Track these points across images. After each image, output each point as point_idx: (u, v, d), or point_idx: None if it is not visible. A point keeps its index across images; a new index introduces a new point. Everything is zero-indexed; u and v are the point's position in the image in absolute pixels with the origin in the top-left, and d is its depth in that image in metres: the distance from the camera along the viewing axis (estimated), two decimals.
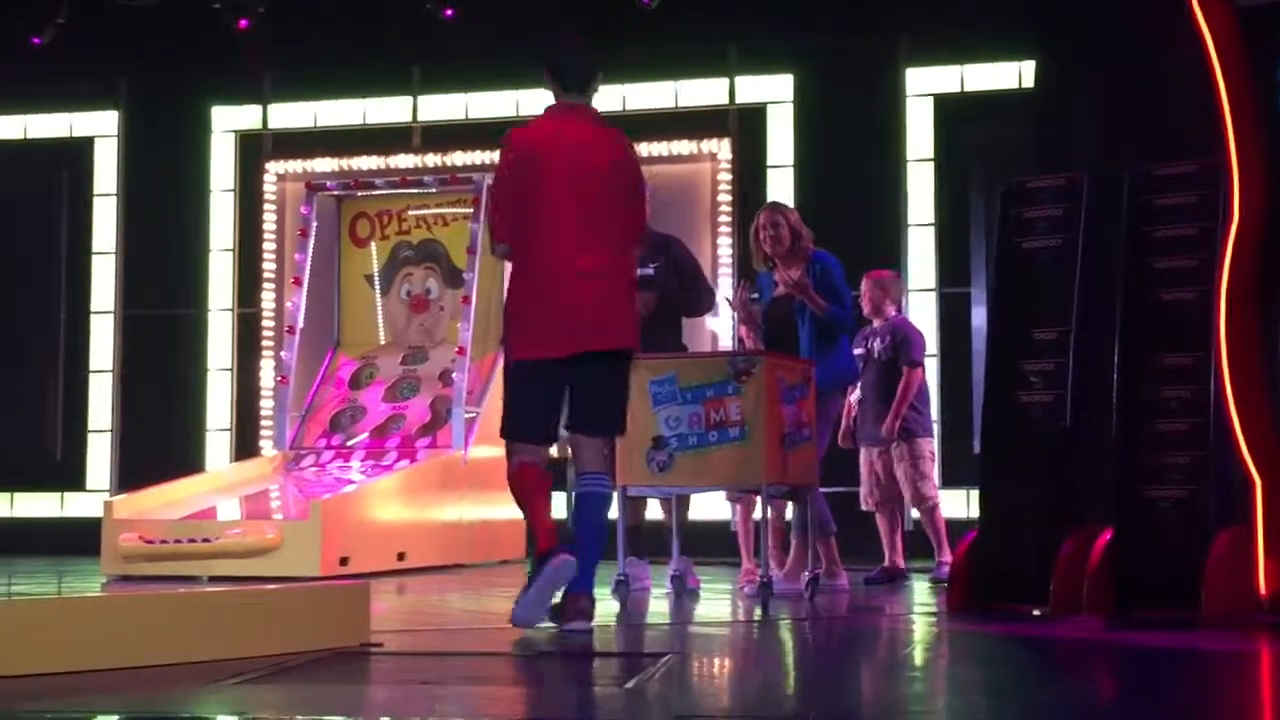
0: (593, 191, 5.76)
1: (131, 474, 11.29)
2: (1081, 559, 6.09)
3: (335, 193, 11.15)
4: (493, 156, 11.49)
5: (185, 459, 11.34)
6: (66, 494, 12.10)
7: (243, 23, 11.36)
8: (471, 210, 10.63)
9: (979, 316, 10.90)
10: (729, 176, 11.18)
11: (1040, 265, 6.64)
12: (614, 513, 6.72)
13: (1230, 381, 5.70)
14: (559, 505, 6.60)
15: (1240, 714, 3.92)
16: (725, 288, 11.08)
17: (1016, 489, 6.45)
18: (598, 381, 5.74)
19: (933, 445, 8.56)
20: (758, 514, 7.33)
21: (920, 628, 6.15)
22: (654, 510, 7.90)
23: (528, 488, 5.82)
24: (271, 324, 11.77)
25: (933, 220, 10.97)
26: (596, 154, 5.81)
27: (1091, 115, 9.66)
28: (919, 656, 5.20)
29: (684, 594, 7.16)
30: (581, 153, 5.79)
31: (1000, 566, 6.41)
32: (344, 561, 8.76)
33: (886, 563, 8.23)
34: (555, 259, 5.67)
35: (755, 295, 7.82)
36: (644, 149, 11.26)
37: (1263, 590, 5.67)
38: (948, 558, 8.05)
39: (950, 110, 11.05)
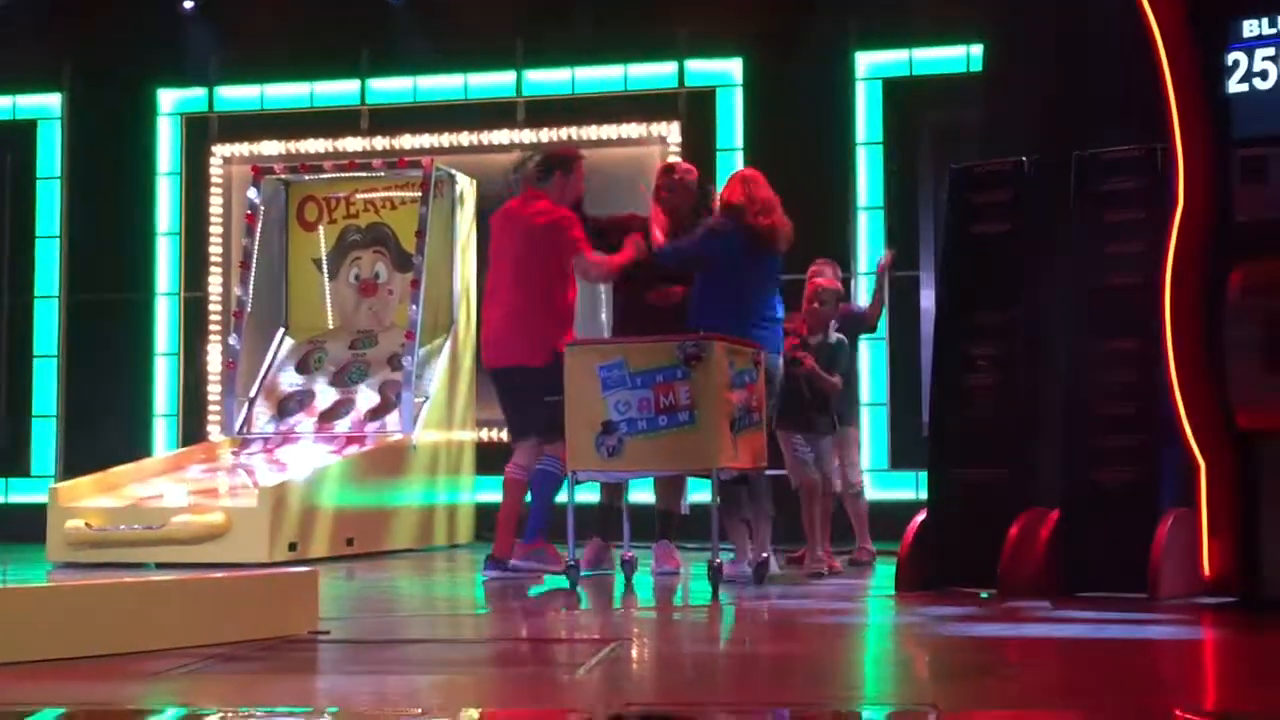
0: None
1: (77, 460, 11.19)
2: (1029, 541, 6.13)
3: (282, 177, 11.06)
4: (440, 139, 11.46)
5: (132, 445, 11.25)
6: (10, 480, 11.98)
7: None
8: (420, 194, 10.57)
9: (927, 299, 10.94)
10: (678, 159, 11.15)
11: (988, 249, 6.66)
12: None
13: (1175, 365, 5.73)
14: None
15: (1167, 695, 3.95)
16: None
17: (964, 471, 6.49)
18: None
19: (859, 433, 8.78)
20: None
21: (875, 612, 6.17)
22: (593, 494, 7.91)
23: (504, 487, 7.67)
24: (219, 308, 11.69)
25: (882, 203, 11.00)
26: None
27: (1039, 98, 9.71)
28: (871, 640, 5.22)
29: (633, 577, 7.15)
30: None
31: (948, 549, 6.44)
32: (292, 547, 8.71)
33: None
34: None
35: None
36: (593, 132, 11.27)
37: (1207, 572, 5.71)
38: (868, 543, 8.32)
39: (899, 93, 11.07)
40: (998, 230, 6.61)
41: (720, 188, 7.90)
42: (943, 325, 6.76)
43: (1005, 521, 6.18)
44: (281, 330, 10.99)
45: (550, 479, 7.45)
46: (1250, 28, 5.66)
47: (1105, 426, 6.20)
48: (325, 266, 11.09)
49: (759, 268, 7.39)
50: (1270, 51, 5.62)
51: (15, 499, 11.82)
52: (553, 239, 7.56)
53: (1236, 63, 5.67)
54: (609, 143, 11.24)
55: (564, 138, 11.36)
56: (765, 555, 7.09)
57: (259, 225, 10.89)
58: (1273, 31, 5.62)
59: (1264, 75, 5.62)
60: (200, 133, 12.05)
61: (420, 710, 3.62)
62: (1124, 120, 7.61)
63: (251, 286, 10.78)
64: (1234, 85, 5.68)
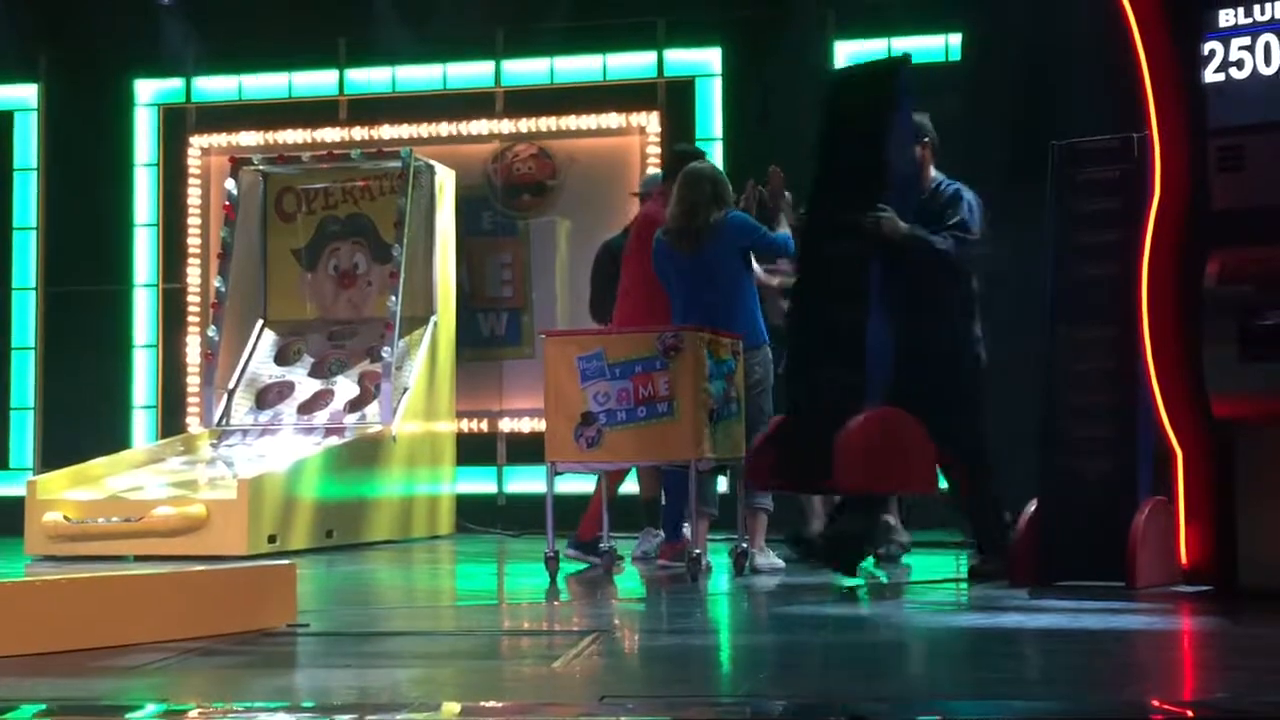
0: None
1: (55, 452, 11.16)
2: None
3: (261, 168, 11.02)
4: (419, 129, 11.43)
5: (110, 437, 11.22)
6: None
7: None
8: (399, 184, 10.55)
9: None
10: (657, 150, 11.15)
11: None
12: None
13: (1152, 354, 5.75)
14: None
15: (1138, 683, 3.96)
16: None
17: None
18: None
19: None
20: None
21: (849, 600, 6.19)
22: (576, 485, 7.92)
23: None
24: (197, 300, 11.66)
25: None
26: None
27: (1017, 88, 9.74)
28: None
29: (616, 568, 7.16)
30: None
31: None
32: (272, 539, 8.70)
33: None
34: None
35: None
36: (572, 122, 11.26)
37: (1184, 560, 5.73)
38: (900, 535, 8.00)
39: None
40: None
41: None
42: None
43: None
44: (260, 321, 10.97)
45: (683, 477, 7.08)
46: (1226, 17, 5.67)
47: (1082, 415, 6.21)
48: (304, 257, 11.06)
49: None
50: (1246, 41, 5.63)
51: None
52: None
53: (1213, 52, 5.68)
54: (588, 133, 11.24)
55: (543, 128, 11.34)
56: (699, 551, 6.93)
57: (237, 216, 10.86)
58: (1248, 21, 5.63)
59: (1240, 65, 5.63)
60: (178, 124, 12.01)
61: (400, 704, 3.61)
62: (1101, 109, 7.64)
63: (230, 278, 10.76)
64: (1210, 75, 5.69)
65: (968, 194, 6.76)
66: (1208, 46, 5.69)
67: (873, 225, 6.35)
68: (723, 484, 7.99)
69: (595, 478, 7.68)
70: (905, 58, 6.97)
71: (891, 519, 7.69)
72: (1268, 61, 5.59)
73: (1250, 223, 5.58)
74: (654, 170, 8.50)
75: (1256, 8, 5.62)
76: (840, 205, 6.54)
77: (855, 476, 6.12)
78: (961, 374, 6.74)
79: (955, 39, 10.60)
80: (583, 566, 7.35)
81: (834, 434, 6.07)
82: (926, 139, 6.85)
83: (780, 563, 7.37)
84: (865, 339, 6.32)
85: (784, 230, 7.46)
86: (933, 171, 6.96)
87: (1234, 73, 5.64)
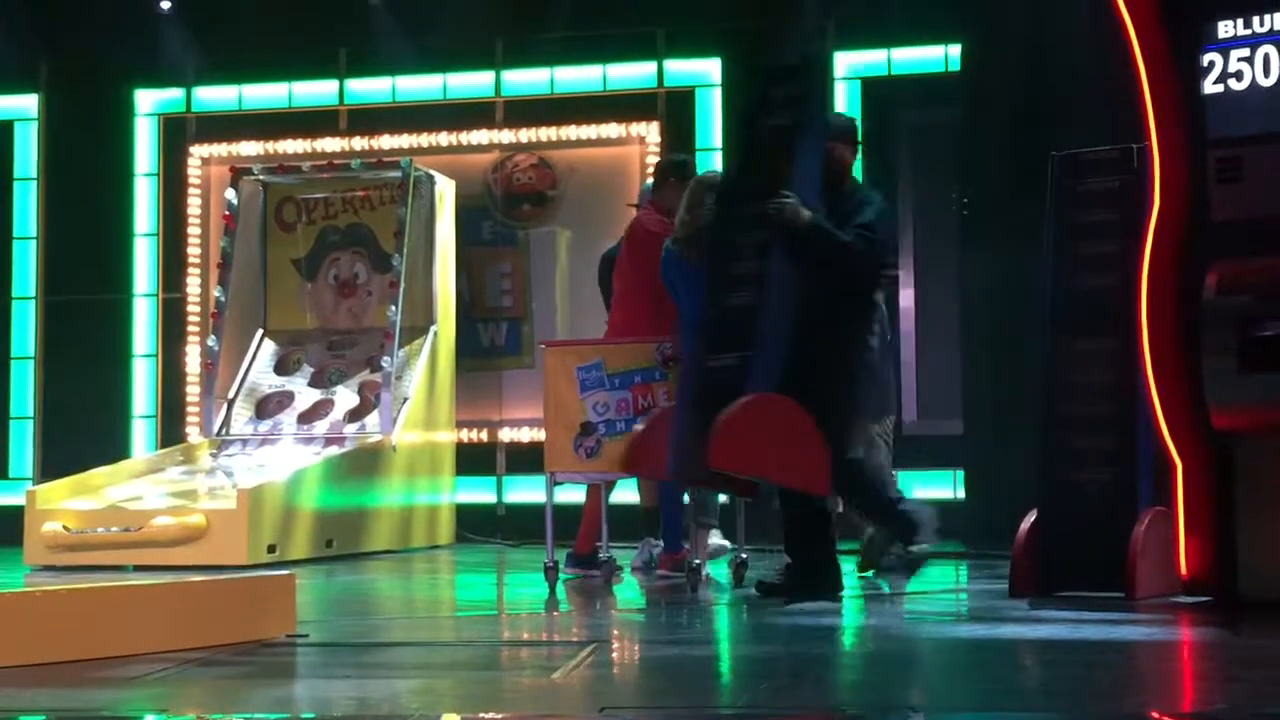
0: None
1: (54, 462, 11.16)
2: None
3: (261, 177, 11.03)
4: (419, 139, 11.44)
5: (110, 446, 11.21)
6: None
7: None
8: (399, 193, 10.56)
9: (907, 298, 10.97)
10: (657, 160, 11.15)
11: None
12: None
13: (1152, 365, 5.75)
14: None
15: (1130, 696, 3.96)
16: None
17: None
18: None
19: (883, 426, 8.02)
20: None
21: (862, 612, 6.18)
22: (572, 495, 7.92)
23: None
24: (197, 309, 11.66)
25: None
26: None
27: (1017, 98, 9.75)
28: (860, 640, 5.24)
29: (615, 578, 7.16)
30: None
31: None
32: (272, 549, 8.69)
33: None
34: None
35: None
36: (572, 132, 11.27)
37: (1184, 571, 5.73)
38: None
39: (878, 93, 11.09)
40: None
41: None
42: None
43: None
44: (260, 331, 10.97)
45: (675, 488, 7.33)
46: (1225, 29, 5.68)
47: (1083, 426, 6.21)
48: (304, 267, 11.06)
49: None
50: (1245, 52, 5.64)
51: None
52: None
53: (1212, 64, 5.69)
54: (588, 143, 11.25)
55: (543, 138, 11.35)
56: (699, 562, 6.93)
57: (237, 226, 10.87)
58: (1248, 32, 5.64)
59: (1239, 76, 5.64)
60: (178, 133, 12.01)
61: (399, 715, 3.61)
62: (1101, 120, 7.64)
63: (230, 287, 10.76)
64: (1209, 86, 5.70)
65: (878, 200, 6.62)
66: (1207, 58, 5.70)
67: (775, 212, 6.23)
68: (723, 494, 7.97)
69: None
70: (817, 56, 6.91)
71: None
72: (1267, 73, 5.60)
73: (1249, 234, 5.58)
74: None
75: (1255, 19, 5.63)
76: (747, 197, 6.46)
77: (729, 456, 5.96)
78: (840, 377, 6.44)
79: (955, 50, 10.61)
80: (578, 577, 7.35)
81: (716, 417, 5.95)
82: (849, 140, 6.70)
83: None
84: (758, 324, 6.18)
85: None
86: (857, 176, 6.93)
87: (1233, 84, 5.65)
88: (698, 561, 6.85)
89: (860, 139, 6.80)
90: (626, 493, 7.91)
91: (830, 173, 6.46)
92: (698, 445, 5.94)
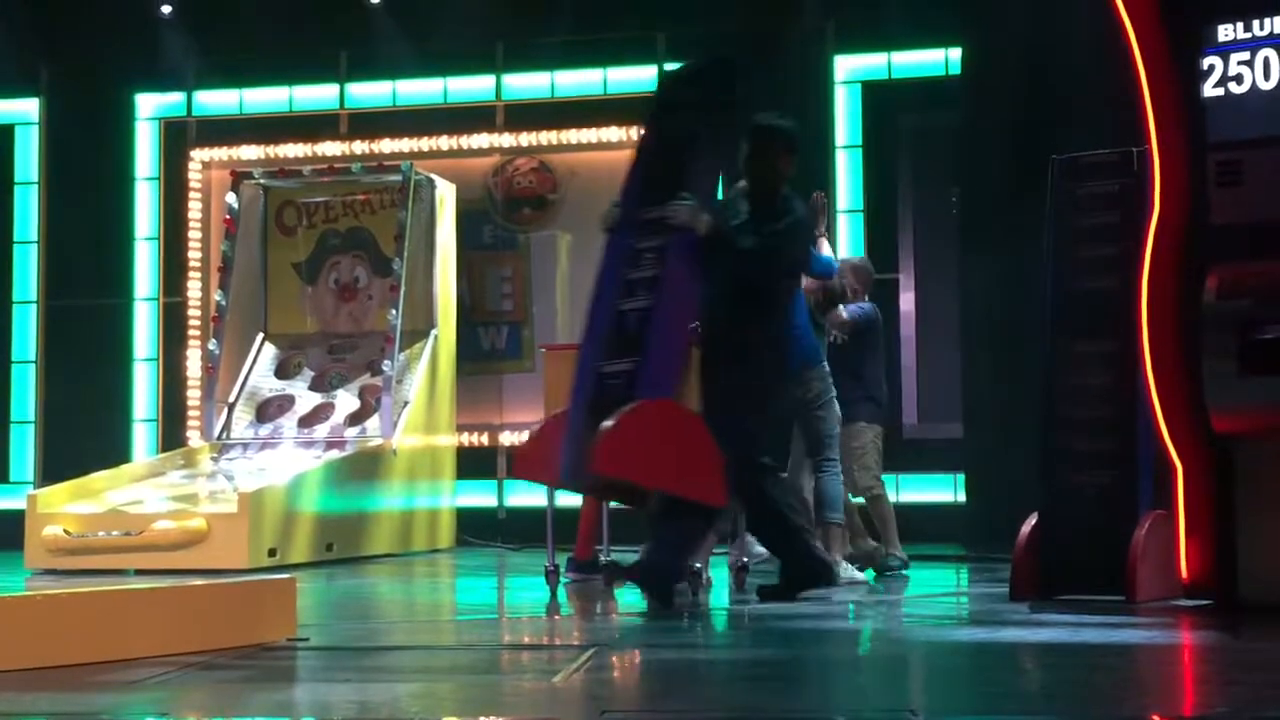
0: None
1: (55, 466, 11.17)
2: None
3: (261, 181, 11.04)
4: (420, 143, 11.44)
5: (110, 450, 11.23)
6: None
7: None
8: (399, 197, 10.56)
9: (907, 302, 10.97)
10: None
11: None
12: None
13: (1152, 368, 5.75)
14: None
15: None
16: None
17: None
18: None
19: (874, 434, 7.97)
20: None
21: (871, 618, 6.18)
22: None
23: None
24: (198, 313, 11.67)
25: (862, 207, 11.02)
26: None
27: (1017, 101, 9.76)
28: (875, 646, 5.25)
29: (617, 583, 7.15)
30: None
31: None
32: (272, 553, 8.70)
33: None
34: None
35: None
36: (572, 136, 11.29)
37: (1184, 574, 5.73)
38: (896, 549, 7.91)
39: (878, 97, 11.10)
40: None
41: None
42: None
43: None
44: (261, 335, 10.98)
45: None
46: (1225, 32, 5.68)
47: (1083, 429, 6.21)
48: (304, 271, 11.07)
49: None
50: (1245, 56, 5.64)
51: None
52: None
53: (1212, 67, 5.69)
54: (588, 146, 11.27)
55: (543, 142, 11.36)
56: (699, 565, 6.78)
57: (238, 230, 10.87)
58: (1247, 36, 5.64)
59: (1239, 79, 5.65)
60: (179, 137, 12.03)
61: (400, 719, 3.61)
62: (1101, 123, 7.65)
63: (231, 291, 10.77)
64: (1209, 89, 5.70)
65: (798, 211, 6.41)
66: (1207, 61, 5.70)
67: (672, 215, 6.13)
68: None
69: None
70: (729, 61, 6.64)
71: (838, 558, 7.29)
72: (1266, 76, 5.60)
73: (1249, 237, 5.58)
74: None
75: (1255, 23, 5.63)
76: (648, 200, 6.35)
77: (614, 462, 5.82)
78: (744, 380, 6.24)
79: (955, 53, 10.62)
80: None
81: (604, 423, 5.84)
82: (790, 149, 6.41)
83: (860, 575, 7.31)
84: (652, 330, 6.08)
85: (826, 253, 7.48)
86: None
87: (1233, 87, 5.65)
88: (699, 565, 6.84)
89: (795, 148, 6.44)
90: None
91: (765, 181, 6.29)
92: (590, 452, 5.83)
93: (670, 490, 6.03)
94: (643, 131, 6.91)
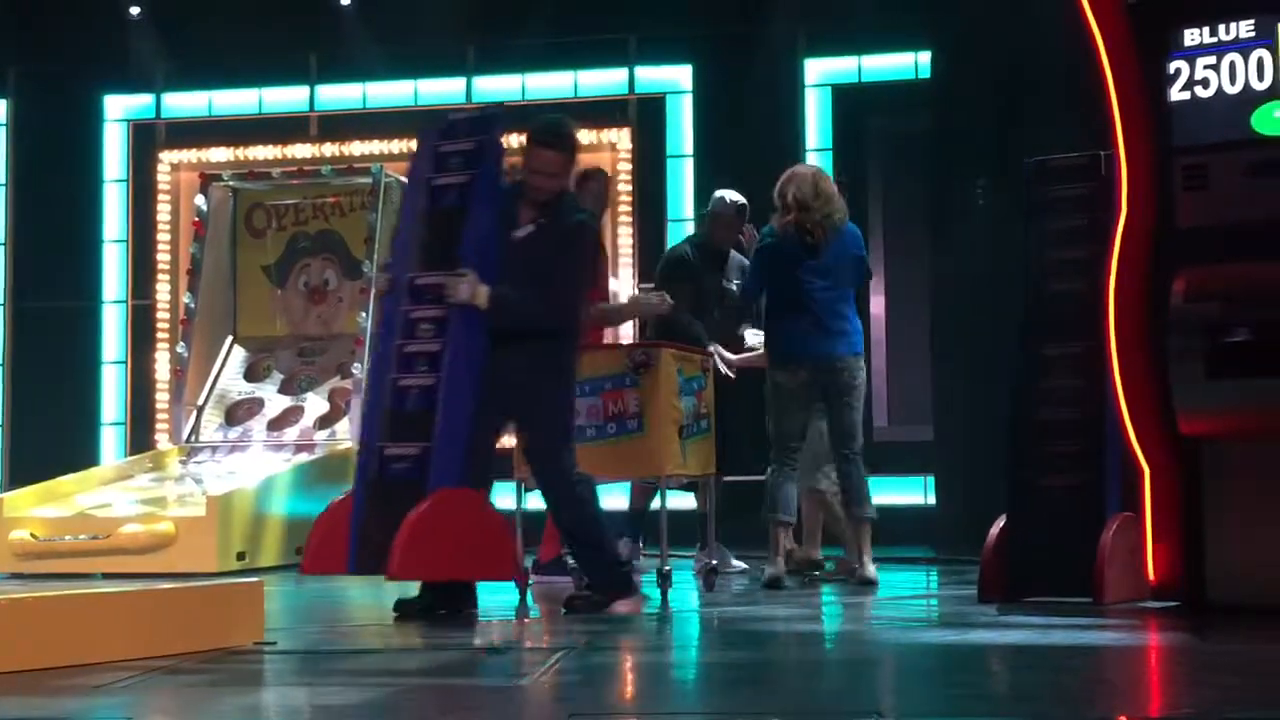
0: None
1: (22, 469, 11.10)
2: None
3: (231, 184, 11.00)
4: (390, 146, 11.41)
5: (78, 453, 11.17)
6: None
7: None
8: (370, 200, 10.54)
9: (877, 305, 10.99)
10: (629, 166, 11.18)
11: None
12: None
13: (1120, 371, 5.77)
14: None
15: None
16: (626, 277, 11.11)
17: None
18: None
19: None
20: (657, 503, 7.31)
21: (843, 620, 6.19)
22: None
23: None
24: (166, 316, 11.62)
25: None
26: None
27: (987, 106, 9.79)
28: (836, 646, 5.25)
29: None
30: None
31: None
32: (241, 557, 8.66)
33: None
34: None
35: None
36: None
37: (1152, 576, 5.75)
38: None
39: (848, 101, 11.13)
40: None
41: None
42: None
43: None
44: (230, 338, 10.94)
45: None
46: (1191, 36, 5.71)
47: (1051, 431, 6.23)
48: (274, 274, 11.03)
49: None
50: (1211, 60, 5.67)
51: None
52: None
53: (1178, 71, 5.72)
54: None
55: (515, 144, 11.32)
56: (668, 568, 6.74)
57: (207, 232, 10.83)
58: (1213, 40, 5.67)
59: (1205, 84, 5.67)
60: (148, 139, 11.99)
61: None
62: (1070, 127, 7.68)
63: (200, 294, 10.73)
64: (1176, 93, 5.73)
65: (582, 214, 6.29)
66: (1173, 65, 5.73)
67: (451, 293, 5.83)
68: (692, 500, 7.96)
69: None
70: (499, 108, 6.37)
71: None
72: (1232, 80, 5.63)
73: (1216, 241, 5.61)
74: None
75: (1221, 27, 5.66)
76: (422, 263, 6.04)
77: (408, 569, 5.61)
78: (543, 404, 6.11)
79: (925, 57, 10.65)
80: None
81: (395, 514, 5.59)
82: (544, 141, 6.18)
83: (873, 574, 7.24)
84: (439, 411, 5.77)
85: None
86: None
87: (1199, 91, 5.68)
88: (668, 568, 6.83)
89: (553, 144, 6.18)
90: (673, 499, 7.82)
91: (535, 188, 6.11)
92: (381, 540, 5.61)
93: (464, 578, 5.89)
94: (406, 185, 6.48)
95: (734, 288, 7.95)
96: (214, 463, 10.07)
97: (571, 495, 6.13)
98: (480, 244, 5.96)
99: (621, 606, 6.17)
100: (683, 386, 6.71)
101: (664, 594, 6.57)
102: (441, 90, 11.70)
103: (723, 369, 7.64)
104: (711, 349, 7.51)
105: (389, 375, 5.96)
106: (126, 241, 11.94)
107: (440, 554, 5.67)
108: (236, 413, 10.50)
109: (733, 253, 8.11)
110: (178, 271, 11.50)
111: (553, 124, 6.33)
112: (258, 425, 10.37)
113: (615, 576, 6.21)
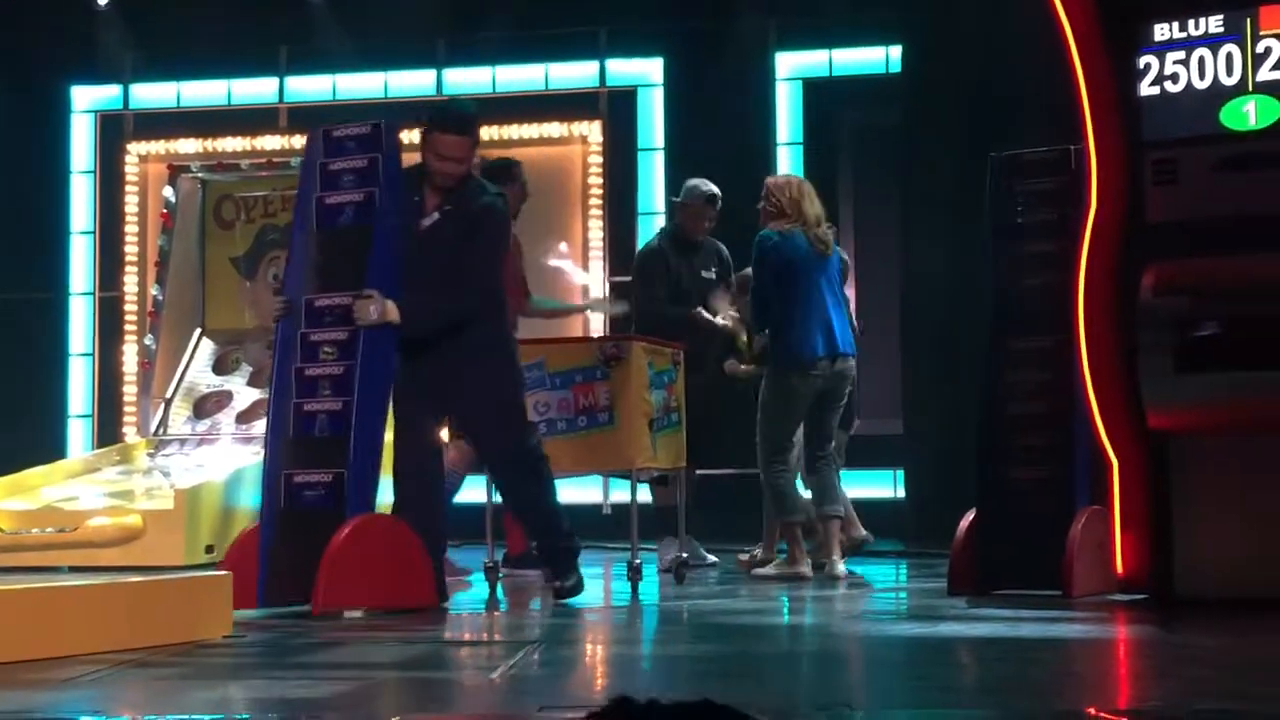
0: None
1: None
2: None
3: (199, 175, 10.94)
4: None
5: (45, 446, 11.10)
6: None
7: None
8: None
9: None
10: (599, 159, 11.17)
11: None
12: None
13: (1089, 365, 5.80)
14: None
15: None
16: (596, 271, 11.10)
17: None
18: None
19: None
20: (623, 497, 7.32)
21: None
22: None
23: None
24: (134, 308, 11.56)
25: None
26: None
27: (957, 100, 9.81)
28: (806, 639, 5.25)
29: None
30: None
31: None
32: (209, 550, 8.61)
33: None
34: None
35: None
36: (514, 131, 11.25)
37: (1120, 569, 5.78)
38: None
39: (819, 94, 11.14)
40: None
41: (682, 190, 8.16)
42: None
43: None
44: (198, 330, 10.87)
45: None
46: (1161, 31, 5.73)
47: (1020, 425, 6.25)
48: (243, 266, 10.97)
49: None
50: (1180, 55, 5.69)
51: None
52: None
53: (1148, 66, 5.75)
54: (530, 142, 11.23)
55: (485, 137, 11.28)
56: (639, 562, 6.77)
57: (175, 224, 10.76)
58: (1183, 35, 5.70)
59: (1174, 79, 5.70)
60: (115, 131, 11.92)
61: (337, 715, 3.59)
62: (1040, 122, 7.71)
63: (168, 286, 10.66)
64: (1145, 88, 5.75)
65: (490, 197, 6.13)
66: (1143, 60, 5.75)
67: (359, 317, 5.69)
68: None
69: None
70: (391, 125, 6.16)
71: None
72: (1201, 75, 5.66)
73: (1185, 235, 5.64)
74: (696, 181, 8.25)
75: (1191, 23, 5.69)
76: (319, 286, 5.91)
77: (333, 600, 5.48)
78: (485, 389, 6.06)
79: (896, 51, 10.67)
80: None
81: (310, 543, 5.48)
82: (443, 126, 6.10)
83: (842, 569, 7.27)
84: (352, 438, 5.63)
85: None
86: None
87: (1169, 86, 5.71)
88: (638, 561, 6.84)
89: (452, 128, 6.08)
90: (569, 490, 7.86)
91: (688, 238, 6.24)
92: (293, 569, 5.53)
93: (389, 606, 5.75)
94: (296, 200, 6.27)
95: (712, 275, 7.98)
96: (182, 455, 10.01)
97: (535, 471, 6.08)
98: (386, 267, 5.79)
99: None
100: (653, 380, 6.72)
101: (634, 587, 6.57)
102: (411, 83, 11.66)
103: (719, 321, 7.79)
104: (696, 312, 7.66)
105: (290, 401, 5.79)
106: (94, 233, 11.88)
107: (362, 583, 5.56)
108: (205, 406, 10.43)
109: (707, 239, 8.10)
110: (146, 263, 11.44)
111: (454, 108, 6.34)
112: (226, 418, 10.30)
113: (569, 557, 6.20)
